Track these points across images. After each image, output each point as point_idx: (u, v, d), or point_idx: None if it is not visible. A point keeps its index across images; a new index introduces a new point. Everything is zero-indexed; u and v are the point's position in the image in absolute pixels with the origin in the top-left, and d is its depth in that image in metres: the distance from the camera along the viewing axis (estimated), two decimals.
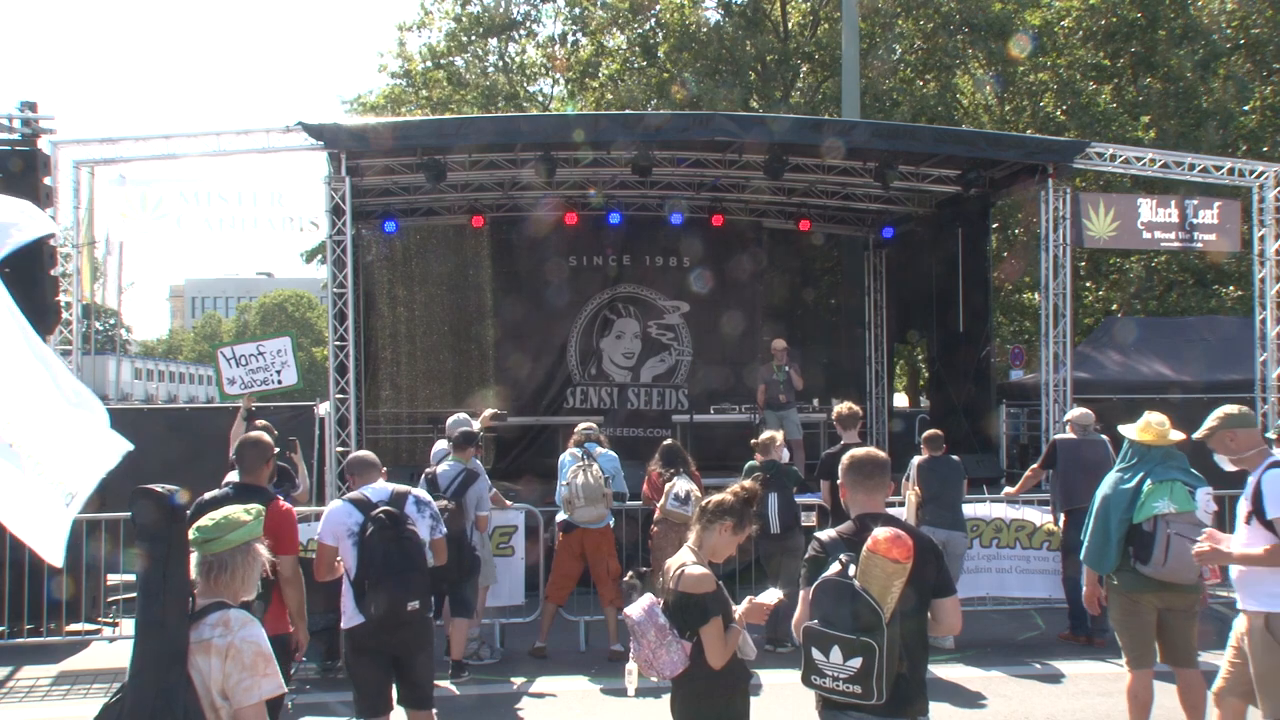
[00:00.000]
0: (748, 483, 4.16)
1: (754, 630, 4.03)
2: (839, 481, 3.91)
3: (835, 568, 3.58)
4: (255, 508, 3.39)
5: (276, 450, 7.77)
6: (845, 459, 3.95)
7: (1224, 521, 8.64)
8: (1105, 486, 5.80)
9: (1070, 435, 9.01)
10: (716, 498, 4.08)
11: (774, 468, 8.46)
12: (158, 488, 3.14)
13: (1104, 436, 8.88)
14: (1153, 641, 5.66)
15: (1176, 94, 22.36)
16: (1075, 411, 9.38)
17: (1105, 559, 5.70)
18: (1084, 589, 6.11)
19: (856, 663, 3.45)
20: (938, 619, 3.77)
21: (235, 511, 3.31)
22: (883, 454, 4.00)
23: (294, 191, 11.52)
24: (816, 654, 3.51)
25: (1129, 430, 5.79)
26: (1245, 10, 23.39)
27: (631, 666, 3.96)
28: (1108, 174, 15.43)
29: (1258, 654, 4.82)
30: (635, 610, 3.90)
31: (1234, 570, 4.96)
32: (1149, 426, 5.71)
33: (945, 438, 9.26)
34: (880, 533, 3.54)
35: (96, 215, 11.16)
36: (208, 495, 5.15)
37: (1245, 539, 4.87)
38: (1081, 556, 5.99)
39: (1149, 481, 5.56)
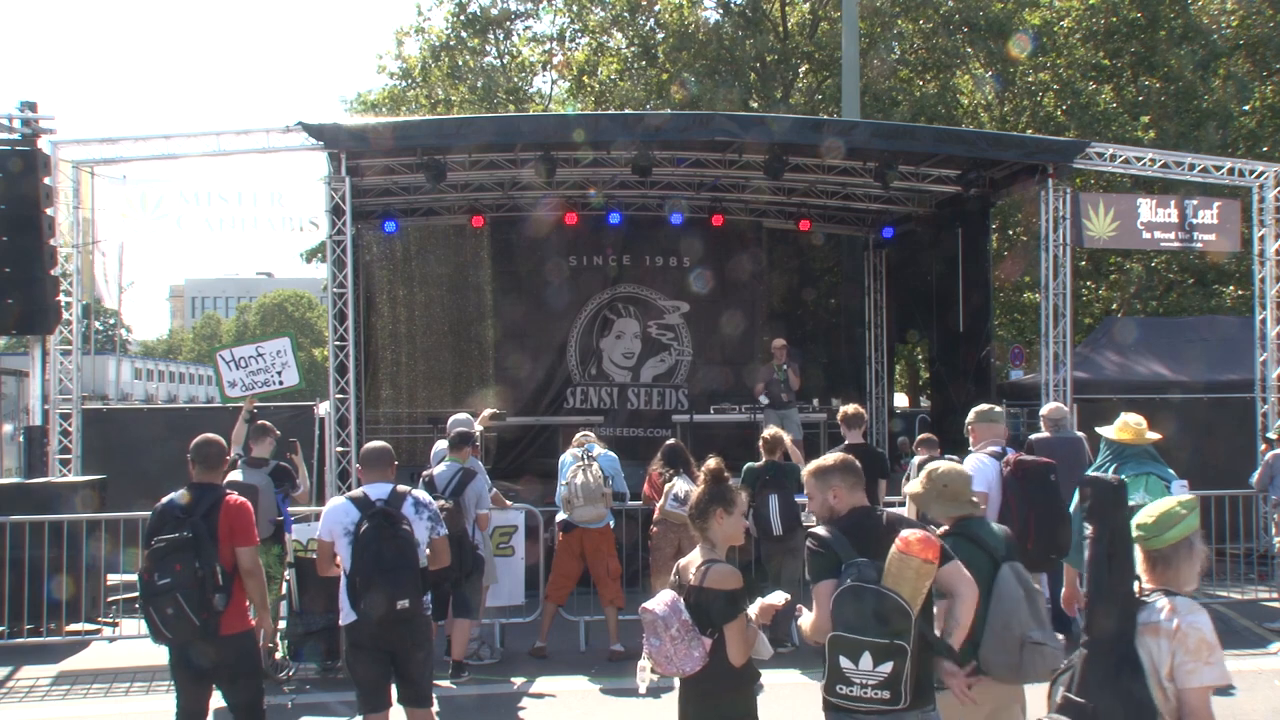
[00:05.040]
0: (710, 463, 4.20)
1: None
2: (833, 484, 3.92)
3: (851, 575, 3.58)
4: (1191, 501, 3.39)
5: (250, 449, 7.85)
6: (832, 461, 3.99)
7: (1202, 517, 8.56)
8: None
9: (1045, 434, 8.89)
10: (696, 499, 4.10)
11: (775, 468, 8.44)
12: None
13: (1080, 434, 8.86)
14: None
15: (1176, 94, 22.36)
16: (1048, 407, 9.15)
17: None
18: (1063, 589, 6.10)
19: (887, 667, 3.44)
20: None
21: (1170, 507, 3.34)
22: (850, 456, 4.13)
23: (294, 191, 11.54)
24: (845, 662, 3.48)
25: (1106, 430, 5.84)
26: (1245, 10, 23.39)
27: (644, 663, 3.95)
28: (1108, 174, 15.43)
29: None
30: (658, 605, 3.88)
31: None
32: (1126, 426, 5.76)
33: (946, 438, 9.24)
34: (910, 534, 3.57)
35: (96, 215, 11.16)
36: (164, 499, 5.19)
37: None
38: None
39: (1124, 476, 5.56)
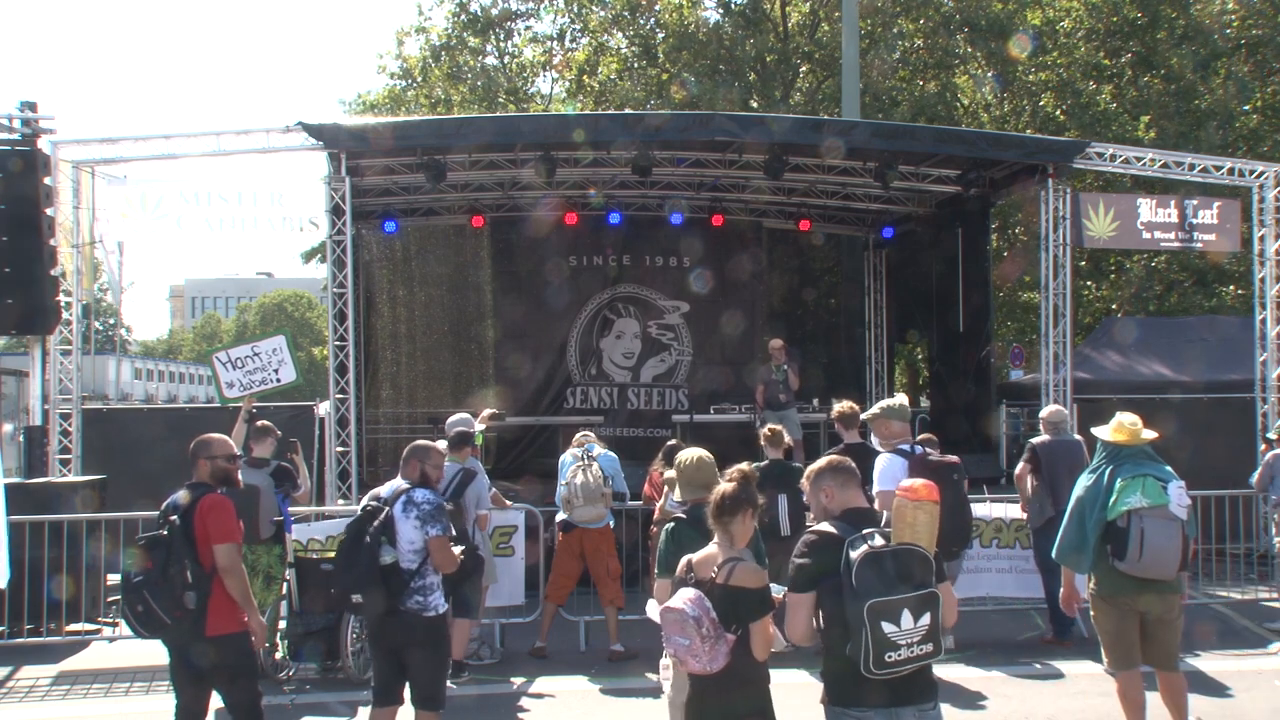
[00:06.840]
0: (745, 467, 4.22)
1: None
2: (824, 484, 3.93)
3: (863, 546, 3.60)
4: None
5: (242, 453, 7.85)
6: (823, 463, 4.01)
7: (1198, 516, 8.60)
8: (1079, 488, 5.79)
9: (1045, 437, 8.85)
10: (727, 493, 4.07)
11: (783, 467, 8.29)
12: None
13: (1079, 437, 8.85)
14: (1136, 643, 5.64)
15: (1176, 94, 22.34)
16: (1047, 410, 9.12)
17: (1083, 559, 5.69)
18: (1061, 589, 6.09)
19: (926, 619, 3.52)
20: None
21: None
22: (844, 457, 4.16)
23: (294, 191, 11.53)
24: (887, 627, 3.49)
25: (1101, 431, 5.78)
26: (1245, 10, 23.37)
27: (667, 662, 3.94)
28: (1108, 174, 15.43)
29: None
30: (684, 603, 3.83)
31: None
32: (1121, 426, 5.69)
33: (946, 438, 9.22)
34: (912, 483, 3.67)
35: (96, 215, 11.16)
36: (170, 499, 5.21)
37: None
38: (1054, 555, 5.97)
39: (1120, 478, 5.53)
